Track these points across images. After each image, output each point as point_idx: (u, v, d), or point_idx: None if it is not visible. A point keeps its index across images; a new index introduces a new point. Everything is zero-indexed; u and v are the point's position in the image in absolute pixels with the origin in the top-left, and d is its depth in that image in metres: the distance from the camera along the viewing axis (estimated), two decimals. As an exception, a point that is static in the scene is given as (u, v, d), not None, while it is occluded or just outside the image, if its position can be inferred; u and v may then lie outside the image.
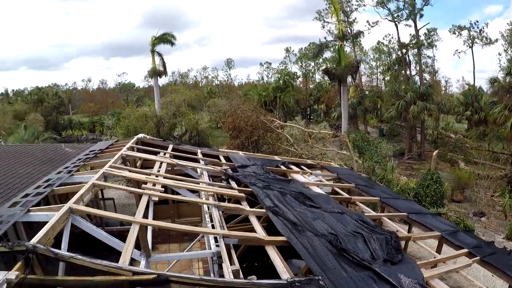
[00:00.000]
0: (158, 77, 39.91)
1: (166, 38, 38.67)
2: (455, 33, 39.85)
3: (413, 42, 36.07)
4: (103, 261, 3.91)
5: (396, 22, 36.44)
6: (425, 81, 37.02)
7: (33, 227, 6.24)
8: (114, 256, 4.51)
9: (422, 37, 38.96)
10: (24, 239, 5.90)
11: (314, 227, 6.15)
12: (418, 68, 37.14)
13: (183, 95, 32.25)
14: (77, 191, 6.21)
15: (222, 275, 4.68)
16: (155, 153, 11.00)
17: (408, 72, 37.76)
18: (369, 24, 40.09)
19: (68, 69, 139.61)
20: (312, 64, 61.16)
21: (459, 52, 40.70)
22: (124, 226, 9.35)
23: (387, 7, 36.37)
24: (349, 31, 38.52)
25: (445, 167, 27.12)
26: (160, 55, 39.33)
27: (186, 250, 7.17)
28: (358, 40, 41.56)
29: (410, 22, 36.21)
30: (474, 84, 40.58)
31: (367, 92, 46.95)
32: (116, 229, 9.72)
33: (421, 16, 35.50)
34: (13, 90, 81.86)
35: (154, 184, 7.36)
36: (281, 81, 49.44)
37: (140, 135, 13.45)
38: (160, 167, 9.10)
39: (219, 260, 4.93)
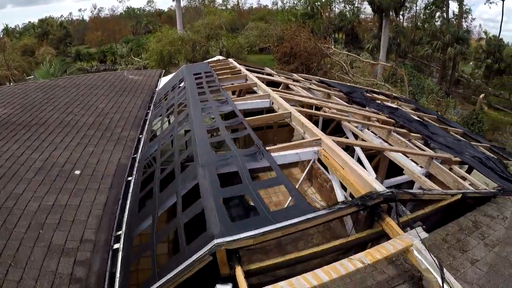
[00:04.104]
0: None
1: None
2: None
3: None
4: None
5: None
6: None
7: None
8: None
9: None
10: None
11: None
12: (457, 12, 37.96)
13: (220, 18, 31.30)
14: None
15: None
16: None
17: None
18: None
19: (58, 1, 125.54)
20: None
21: (491, 3, 41.14)
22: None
23: None
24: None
25: (468, 109, 30.07)
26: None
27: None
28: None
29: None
30: (500, 34, 42.05)
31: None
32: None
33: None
34: (6, 27, 66.99)
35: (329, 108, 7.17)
36: (309, 8, 48.36)
37: (219, 57, 12.21)
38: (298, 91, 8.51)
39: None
